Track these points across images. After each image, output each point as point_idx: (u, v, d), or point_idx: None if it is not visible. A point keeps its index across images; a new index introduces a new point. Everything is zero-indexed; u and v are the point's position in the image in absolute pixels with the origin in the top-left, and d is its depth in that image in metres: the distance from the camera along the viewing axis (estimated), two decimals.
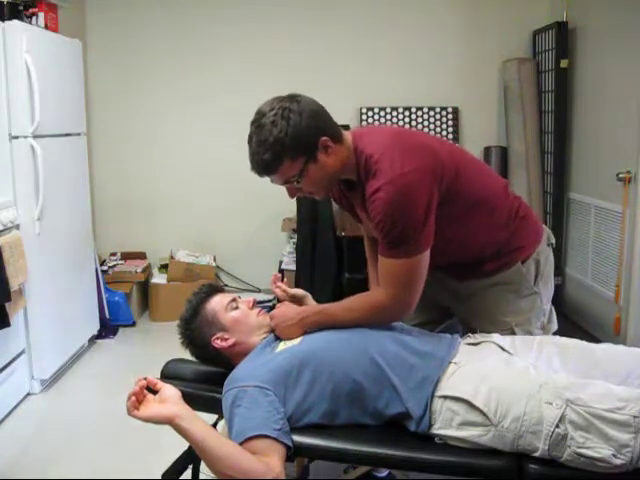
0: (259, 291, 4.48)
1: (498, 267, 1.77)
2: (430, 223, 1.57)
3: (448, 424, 1.46)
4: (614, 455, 1.32)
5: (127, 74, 4.44)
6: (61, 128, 3.38)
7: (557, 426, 1.35)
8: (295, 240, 3.83)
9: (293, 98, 1.57)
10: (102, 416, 2.87)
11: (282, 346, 1.63)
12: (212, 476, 1.44)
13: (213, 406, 1.65)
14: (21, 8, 3.12)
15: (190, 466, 1.69)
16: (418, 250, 1.58)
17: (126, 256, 4.43)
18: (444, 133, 4.45)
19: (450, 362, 1.54)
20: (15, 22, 2.96)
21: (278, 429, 1.44)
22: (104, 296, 3.98)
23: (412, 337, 1.64)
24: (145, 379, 1.45)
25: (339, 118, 1.75)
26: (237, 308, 1.74)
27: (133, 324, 4.14)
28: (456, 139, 4.44)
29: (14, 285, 2.77)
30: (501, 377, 1.47)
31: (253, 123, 1.57)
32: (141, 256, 4.48)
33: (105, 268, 4.23)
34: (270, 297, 4.11)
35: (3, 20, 2.94)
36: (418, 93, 4.44)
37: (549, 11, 4.23)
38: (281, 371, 1.52)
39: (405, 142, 1.63)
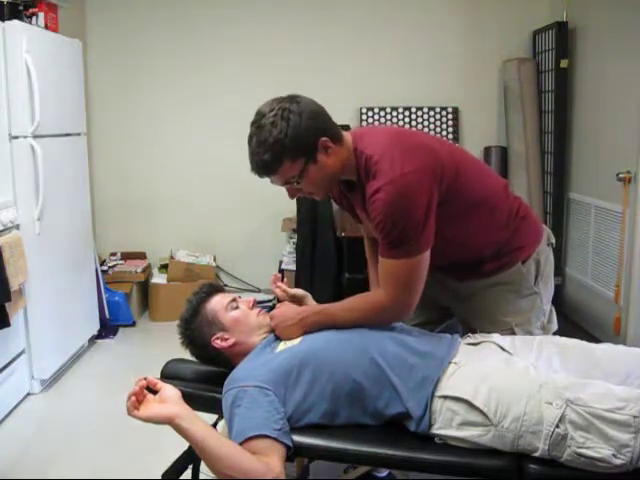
0: (259, 291, 4.48)
1: (498, 267, 1.77)
2: (430, 223, 1.57)
3: (448, 424, 1.46)
4: (614, 455, 1.32)
5: (127, 74, 4.44)
6: (61, 128, 3.38)
7: (557, 426, 1.35)
8: (295, 240, 3.83)
9: (293, 99, 1.57)
10: (102, 416, 2.87)
11: (282, 346, 1.63)
12: (212, 476, 1.44)
13: (213, 406, 1.65)
14: (21, 8, 3.12)
15: (190, 466, 1.69)
16: (418, 250, 1.58)
17: (126, 256, 4.43)
18: (444, 133, 4.45)
19: (450, 362, 1.54)
20: (15, 22, 2.96)
21: (278, 429, 1.44)
22: (104, 296, 3.98)
23: (412, 337, 1.64)
24: (145, 379, 1.45)
25: (339, 118, 1.75)
26: (237, 308, 1.74)
27: (133, 324, 4.14)
28: (456, 139, 4.44)
29: (14, 285, 2.77)
30: (501, 377, 1.47)
31: (253, 124, 1.57)
32: (141, 256, 4.48)
33: (105, 268, 4.23)
34: (270, 297, 4.11)
35: (3, 20, 2.94)
36: (418, 93, 4.44)
37: (549, 11, 4.23)
38: (281, 371, 1.52)
39: (405, 142, 1.63)
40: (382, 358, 1.53)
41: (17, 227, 2.98)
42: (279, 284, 1.84)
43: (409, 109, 4.45)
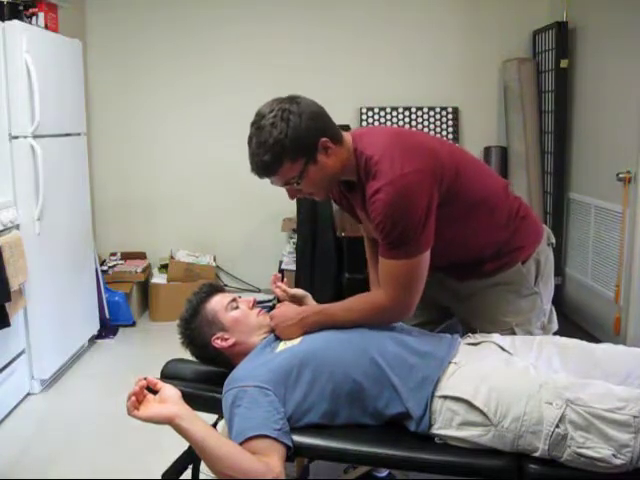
0: (259, 291, 4.48)
1: (498, 267, 1.77)
2: (430, 224, 1.57)
3: (448, 424, 1.46)
4: (614, 455, 1.32)
5: (127, 74, 4.44)
6: (61, 128, 3.38)
7: (557, 426, 1.35)
8: (295, 240, 3.83)
9: (293, 99, 1.57)
10: (102, 416, 2.87)
11: (282, 346, 1.63)
12: (212, 476, 1.44)
13: (213, 406, 1.65)
14: (21, 8, 3.11)
15: (190, 466, 1.69)
16: (418, 251, 1.58)
17: (126, 256, 4.43)
18: (444, 133, 4.45)
19: (450, 362, 1.54)
20: (15, 22, 2.96)
21: (278, 429, 1.44)
22: (104, 296, 3.98)
23: (412, 337, 1.64)
24: (145, 379, 1.45)
25: (339, 118, 1.75)
26: (237, 308, 1.74)
27: (133, 324, 4.14)
28: (456, 139, 4.44)
29: (14, 285, 2.77)
30: (501, 377, 1.47)
31: (253, 125, 1.57)
32: (141, 256, 4.48)
33: (105, 268, 4.23)
34: (270, 297, 4.11)
35: (3, 20, 2.94)
36: (418, 93, 4.44)
37: (549, 11, 4.23)
38: (281, 371, 1.52)
39: (405, 142, 1.63)
40: (382, 358, 1.53)
41: (17, 227, 2.98)
42: (279, 284, 1.84)
43: (409, 109, 4.45)
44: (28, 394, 3.11)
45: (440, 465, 1.45)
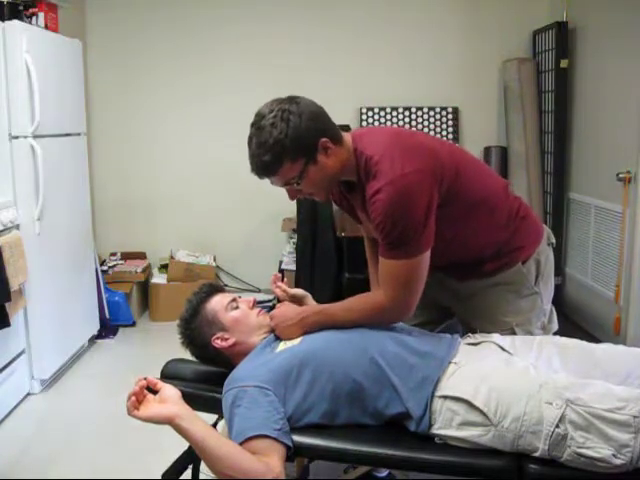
0: (259, 291, 4.48)
1: (498, 267, 1.77)
2: (430, 224, 1.57)
3: (448, 424, 1.46)
4: (614, 455, 1.32)
5: (127, 74, 4.44)
6: (61, 128, 3.38)
7: (557, 426, 1.35)
8: (295, 240, 3.83)
9: (292, 100, 1.58)
10: (102, 416, 2.87)
11: (282, 346, 1.63)
12: (212, 476, 1.44)
13: (213, 406, 1.65)
14: (21, 8, 3.11)
15: (190, 466, 1.69)
16: (418, 251, 1.58)
17: (126, 256, 4.43)
18: (444, 133, 4.45)
19: (450, 362, 1.54)
20: (15, 22, 2.96)
21: (278, 429, 1.44)
22: (104, 296, 3.98)
23: (412, 337, 1.64)
24: (145, 379, 1.45)
25: (339, 118, 1.75)
26: (237, 308, 1.74)
27: (133, 324, 4.14)
28: (456, 139, 4.44)
29: (14, 285, 2.77)
30: (501, 377, 1.47)
31: (253, 125, 1.57)
32: (141, 256, 4.48)
33: (105, 268, 4.23)
34: (270, 297, 4.11)
35: (3, 20, 2.94)
36: (418, 93, 4.44)
37: (549, 11, 4.23)
38: (281, 371, 1.52)
39: (405, 143, 1.63)
40: (382, 358, 1.53)
41: (17, 227, 2.98)
42: (279, 284, 1.84)
43: (409, 109, 4.45)
44: (28, 394, 3.11)
45: (440, 465, 1.45)
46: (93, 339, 3.84)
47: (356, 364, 1.53)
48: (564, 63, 3.93)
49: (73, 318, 3.45)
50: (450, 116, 4.45)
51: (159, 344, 3.38)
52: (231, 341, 1.69)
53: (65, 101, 3.45)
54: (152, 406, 1.42)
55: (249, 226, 4.57)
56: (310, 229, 3.58)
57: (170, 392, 1.46)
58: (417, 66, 4.44)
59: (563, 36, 3.94)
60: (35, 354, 3.11)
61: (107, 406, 2.85)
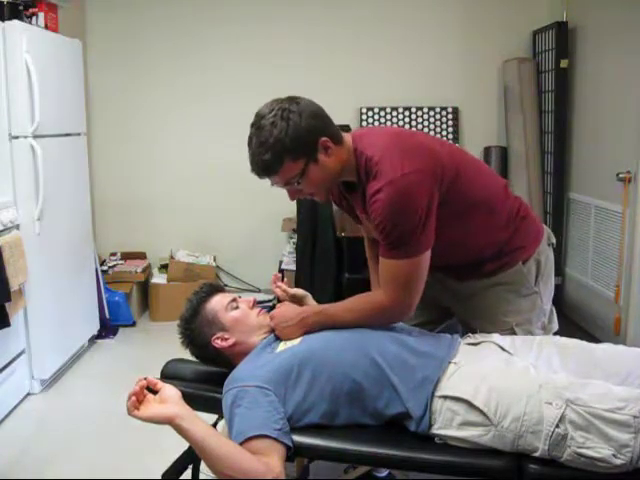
0: (259, 291, 4.48)
1: (499, 267, 1.77)
2: (430, 224, 1.57)
3: (448, 424, 1.46)
4: (614, 455, 1.32)
5: (127, 74, 4.44)
6: (61, 128, 3.38)
7: (557, 426, 1.35)
8: (295, 240, 3.83)
9: (292, 100, 1.58)
10: (102, 416, 2.87)
11: (282, 346, 1.63)
12: (212, 476, 1.44)
13: (213, 406, 1.65)
14: (21, 8, 3.11)
15: (190, 466, 1.69)
16: (419, 251, 1.58)
17: (126, 256, 4.43)
18: (444, 133, 4.45)
19: (450, 362, 1.54)
20: (15, 22, 2.96)
21: (278, 429, 1.44)
22: (104, 296, 3.98)
23: (412, 337, 1.64)
24: (145, 379, 1.45)
25: (339, 118, 1.75)
26: (237, 308, 1.74)
27: (133, 324, 4.14)
28: (456, 139, 4.44)
29: (14, 285, 2.77)
30: (501, 377, 1.47)
31: (253, 125, 1.57)
32: (141, 256, 4.48)
33: (105, 268, 4.23)
34: (270, 297, 4.11)
35: (3, 20, 2.94)
36: (418, 93, 4.44)
37: (549, 11, 4.23)
38: (281, 371, 1.52)
39: (405, 143, 1.63)
40: (382, 358, 1.53)
41: (17, 227, 2.98)
42: (279, 284, 1.84)
43: (409, 109, 4.44)
44: (28, 394, 3.11)
45: (440, 465, 1.45)
46: (93, 339, 3.84)
47: (356, 364, 1.53)
48: (564, 63, 3.93)
49: (73, 318, 3.45)
50: (450, 116, 4.45)
51: (159, 344, 3.37)
52: (231, 341, 1.69)
53: (65, 101, 3.45)
54: (152, 406, 1.42)
55: (249, 226, 4.57)
56: (310, 229, 3.58)
57: (170, 392, 1.46)
58: (417, 66, 4.44)
59: (563, 36, 3.94)
60: (35, 354, 3.11)
61: (107, 406, 2.84)
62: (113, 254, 4.41)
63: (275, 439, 1.42)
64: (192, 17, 4.39)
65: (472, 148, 4.15)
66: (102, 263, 4.25)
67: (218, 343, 1.69)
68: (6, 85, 2.94)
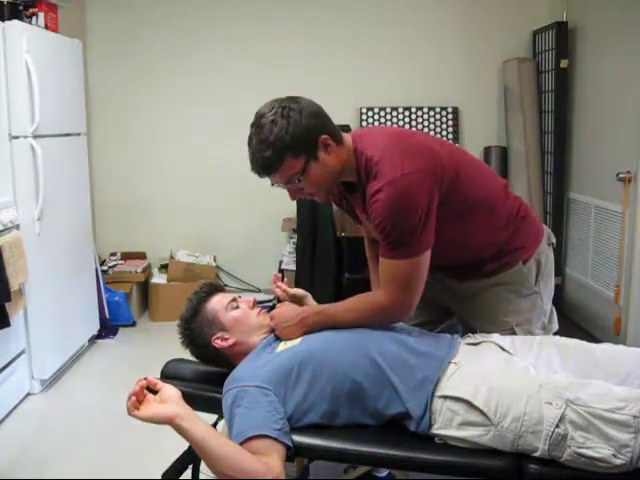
0: (259, 291, 4.48)
1: (499, 267, 1.77)
2: (430, 224, 1.57)
3: (448, 424, 1.46)
4: (614, 455, 1.32)
5: (127, 74, 4.44)
6: (61, 128, 3.38)
7: (557, 426, 1.35)
8: (295, 240, 3.83)
9: (292, 99, 1.58)
10: (102, 416, 2.87)
11: (282, 346, 1.63)
12: (212, 476, 1.44)
13: (213, 406, 1.65)
14: (21, 8, 3.11)
15: (190, 466, 1.69)
16: (419, 251, 1.58)
17: (126, 256, 4.43)
18: (444, 133, 4.45)
19: (450, 362, 1.54)
20: (15, 22, 2.96)
21: (278, 429, 1.44)
22: (104, 296, 3.98)
23: (412, 337, 1.64)
24: (145, 379, 1.45)
25: (339, 118, 1.75)
26: (237, 308, 1.74)
27: (133, 324, 4.14)
28: (456, 139, 4.44)
29: (14, 285, 2.77)
30: (501, 377, 1.47)
31: (253, 124, 1.57)
32: (141, 256, 4.48)
33: (105, 268, 4.23)
34: (270, 297, 4.11)
35: (3, 20, 2.94)
36: (418, 93, 4.44)
37: (549, 11, 4.23)
38: (281, 371, 1.52)
39: (405, 143, 1.63)
40: (382, 358, 1.53)
41: (17, 227, 2.98)
42: (279, 284, 1.84)
43: (409, 109, 4.44)
44: (28, 394, 3.11)
45: (440, 465, 1.45)
46: (93, 339, 3.84)
47: (356, 364, 1.53)
48: (564, 63, 3.93)
49: (73, 318, 3.45)
50: (450, 116, 4.45)
51: (159, 344, 3.37)
52: (231, 341, 1.69)
53: (65, 101, 3.45)
54: (152, 406, 1.42)
55: (249, 226, 4.57)
56: (310, 229, 3.58)
57: (170, 392, 1.46)
58: (417, 66, 4.44)
59: (563, 36, 3.94)
60: (35, 354, 3.11)
61: (107, 406, 2.84)
62: (113, 254, 4.41)
63: (275, 439, 1.42)
64: (192, 17, 4.39)
65: (472, 148, 4.15)
66: (102, 263, 4.25)
67: (218, 343, 1.69)
68: (6, 85, 2.94)
